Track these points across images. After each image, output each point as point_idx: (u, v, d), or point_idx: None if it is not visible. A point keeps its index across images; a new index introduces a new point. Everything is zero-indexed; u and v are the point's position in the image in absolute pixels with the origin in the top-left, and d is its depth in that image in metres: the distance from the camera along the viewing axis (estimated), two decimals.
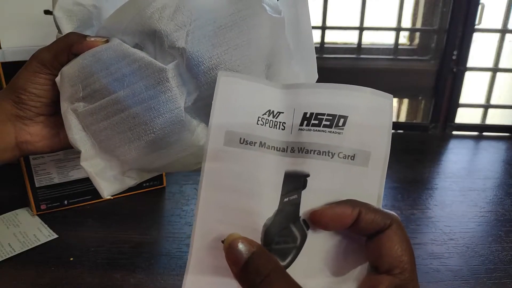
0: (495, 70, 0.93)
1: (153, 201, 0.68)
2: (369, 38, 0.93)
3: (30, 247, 0.56)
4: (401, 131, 0.97)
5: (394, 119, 0.99)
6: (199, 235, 0.28)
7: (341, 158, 0.28)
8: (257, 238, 0.27)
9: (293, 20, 0.40)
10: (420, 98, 0.98)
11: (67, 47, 0.38)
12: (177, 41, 0.35)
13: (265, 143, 0.28)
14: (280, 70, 0.38)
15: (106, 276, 0.52)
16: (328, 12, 0.89)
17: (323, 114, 0.28)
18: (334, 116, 0.28)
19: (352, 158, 0.28)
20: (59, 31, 0.42)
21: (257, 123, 0.28)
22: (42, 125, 0.41)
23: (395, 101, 1.00)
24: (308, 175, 0.28)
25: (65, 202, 0.64)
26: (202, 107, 0.37)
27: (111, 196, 0.40)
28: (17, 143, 0.41)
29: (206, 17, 0.35)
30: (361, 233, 0.28)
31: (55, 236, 0.58)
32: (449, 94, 0.94)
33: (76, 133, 0.39)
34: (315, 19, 0.90)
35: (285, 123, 0.29)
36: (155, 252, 0.56)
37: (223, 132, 0.28)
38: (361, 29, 0.91)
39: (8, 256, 0.54)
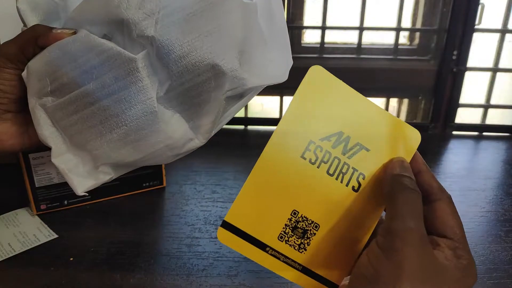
0: (495, 70, 0.93)
1: (153, 201, 0.68)
2: (369, 38, 0.93)
3: (30, 247, 0.56)
4: None
5: None
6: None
7: None
8: None
9: (266, 6, 0.38)
10: (420, 98, 0.98)
11: (33, 40, 0.36)
12: (146, 30, 0.34)
13: None
14: (254, 57, 0.37)
15: (106, 276, 0.52)
16: (328, 12, 0.89)
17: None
18: None
19: None
20: (24, 24, 0.40)
21: None
22: (11, 123, 0.39)
23: (395, 101, 1.00)
24: None
25: (65, 202, 0.64)
26: (175, 97, 0.36)
27: (86, 193, 0.39)
28: None
29: (175, 4, 0.34)
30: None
31: (55, 236, 0.58)
32: (449, 94, 0.93)
33: (46, 129, 0.37)
34: (315, 19, 0.90)
35: None
36: (154, 252, 0.56)
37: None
38: (361, 29, 0.90)
39: (8, 256, 0.54)
